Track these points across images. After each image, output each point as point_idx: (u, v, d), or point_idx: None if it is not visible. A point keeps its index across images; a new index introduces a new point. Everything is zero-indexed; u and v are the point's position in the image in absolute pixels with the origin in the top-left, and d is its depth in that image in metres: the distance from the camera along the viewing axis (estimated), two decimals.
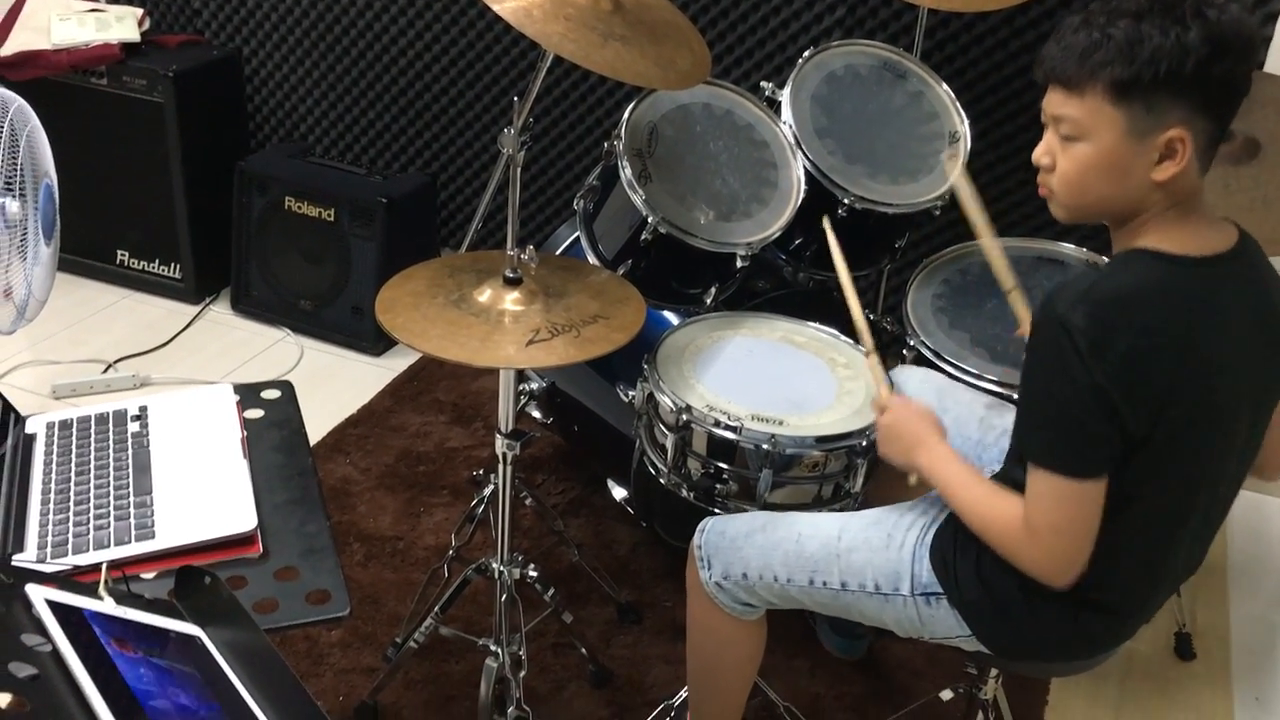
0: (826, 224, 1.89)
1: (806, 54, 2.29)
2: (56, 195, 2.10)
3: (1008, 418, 1.76)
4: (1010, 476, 1.52)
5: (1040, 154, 1.42)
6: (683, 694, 1.97)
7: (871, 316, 2.60)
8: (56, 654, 0.95)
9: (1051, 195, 1.43)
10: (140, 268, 3.37)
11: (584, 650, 2.15)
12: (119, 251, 3.38)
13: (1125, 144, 1.33)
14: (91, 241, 3.34)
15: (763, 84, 2.28)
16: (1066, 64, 1.34)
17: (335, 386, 3.02)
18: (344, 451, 2.74)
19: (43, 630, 0.98)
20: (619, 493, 2.48)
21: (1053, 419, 1.34)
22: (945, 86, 2.35)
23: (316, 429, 2.78)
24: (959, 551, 1.52)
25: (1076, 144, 1.36)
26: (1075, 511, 1.35)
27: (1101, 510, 1.35)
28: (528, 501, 2.28)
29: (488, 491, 2.21)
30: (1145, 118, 1.31)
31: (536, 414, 2.53)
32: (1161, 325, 1.31)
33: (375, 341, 3.16)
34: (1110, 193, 1.37)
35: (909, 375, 1.91)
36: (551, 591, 2.09)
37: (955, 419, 1.79)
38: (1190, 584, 2.47)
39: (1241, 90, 1.33)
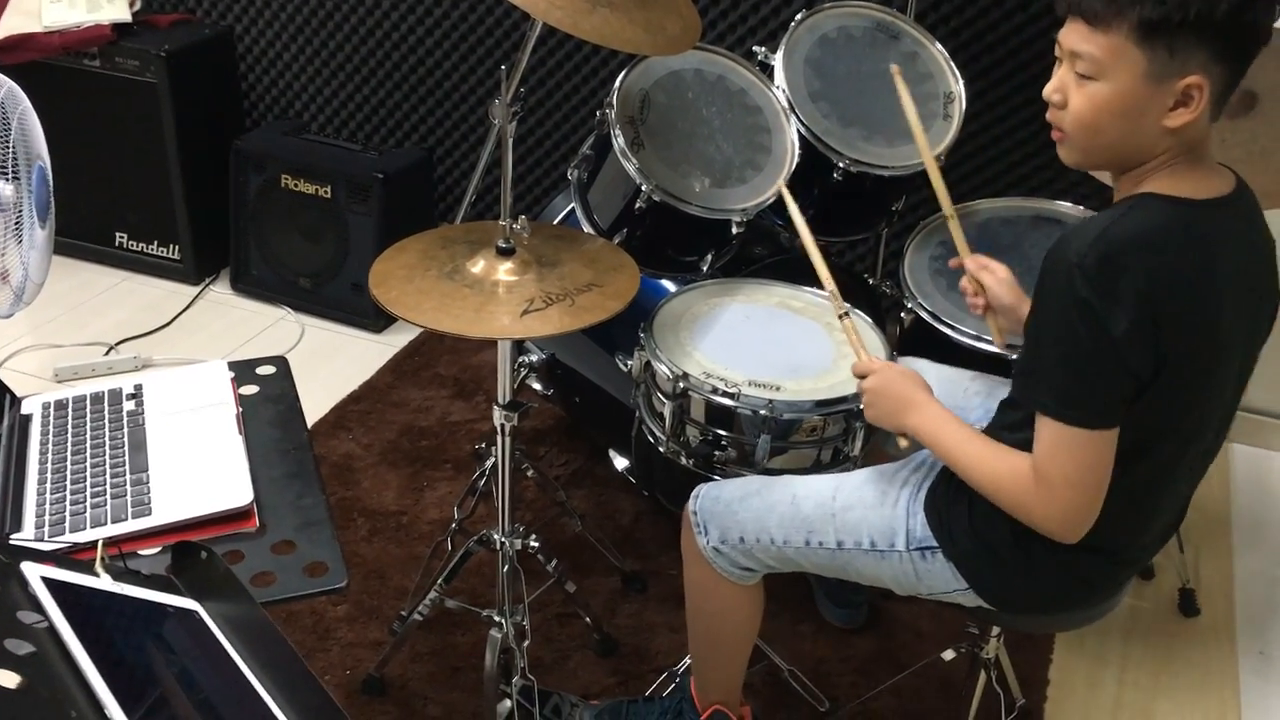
0: (784, 190, 1.88)
1: (799, 17, 2.28)
2: (50, 177, 2.10)
3: (991, 384, 1.76)
4: (998, 428, 1.52)
5: (1051, 89, 1.39)
6: (687, 660, 1.98)
7: (871, 280, 2.60)
8: (53, 630, 0.96)
9: (1064, 137, 1.40)
10: (139, 249, 3.37)
11: (588, 620, 2.16)
12: (118, 234, 3.37)
13: (1142, 87, 1.31)
14: (90, 224, 3.34)
15: (755, 48, 2.27)
16: None
17: (336, 363, 3.02)
18: (346, 428, 2.74)
19: (39, 607, 0.98)
20: (621, 463, 2.49)
21: (1066, 369, 1.33)
22: (939, 46, 2.33)
23: (319, 406, 2.79)
24: (951, 504, 1.53)
25: (1092, 83, 1.33)
26: (1090, 462, 1.35)
27: (1114, 459, 1.35)
28: (530, 473, 2.28)
29: (489, 464, 2.22)
30: (1167, 61, 1.28)
31: (537, 386, 2.53)
32: (1172, 269, 1.30)
33: (375, 318, 3.16)
34: (1121, 135, 1.35)
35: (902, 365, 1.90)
36: (554, 562, 2.10)
37: (938, 392, 1.80)
38: (1194, 540, 2.48)
39: (1262, 41, 1.31)
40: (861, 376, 1.61)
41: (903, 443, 1.57)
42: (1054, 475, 1.36)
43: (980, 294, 1.75)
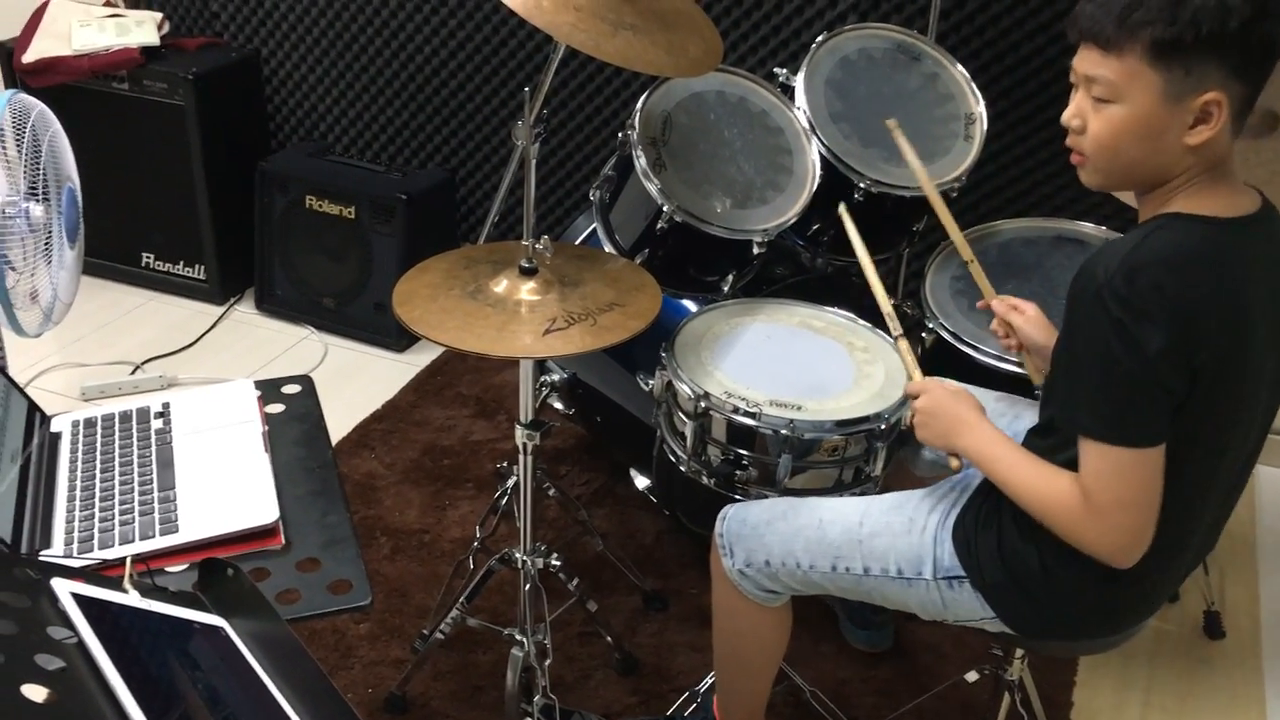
0: (843, 210, 1.88)
1: (820, 39, 2.29)
2: (80, 199, 2.13)
3: (1015, 405, 1.76)
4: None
5: (1070, 116, 1.38)
6: (709, 680, 1.98)
7: (894, 301, 2.59)
8: (82, 646, 0.97)
9: (1084, 161, 1.40)
10: (165, 270, 3.41)
11: (610, 639, 2.16)
12: (144, 254, 3.41)
13: (1161, 107, 1.30)
14: (117, 244, 3.38)
15: (776, 70, 2.28)
16: (1104, 22, 1.30)
17: (359, 383, 3.04)
18: (369, 447, 2.76)
19: (69, 623, 0.99)
20: (642, 482, 2.49)
21: (1105, 390, 1.32)
22: (960, 68, 2.34)
23: (341, 425, 2.81)
24: (980, 533, 1.52)
25: (1110, 106, 1.33)
26: (1140, 482, 1.33)
27: (1163, 479, 1.34)
28: (551, 492, 2.29)
29: (511, 483, 2.22)
30: (1183, 80, 1.28)
31: (559, 405, 2.54)
32: (1201, 285, 1.29)
33: (398, 337, 3.18)
34: (1143, 156, 1.34)
35: None
36: (576, 581, 2.10)
37: None
38: (1219, 562, 2.46)
39: (1278, 53, 1.31)
40: (914, 396, 1.60)
41: (954, 463, 1.56)
42: (1105, 499, 1.34)
43: (1011, 335, 1.74)
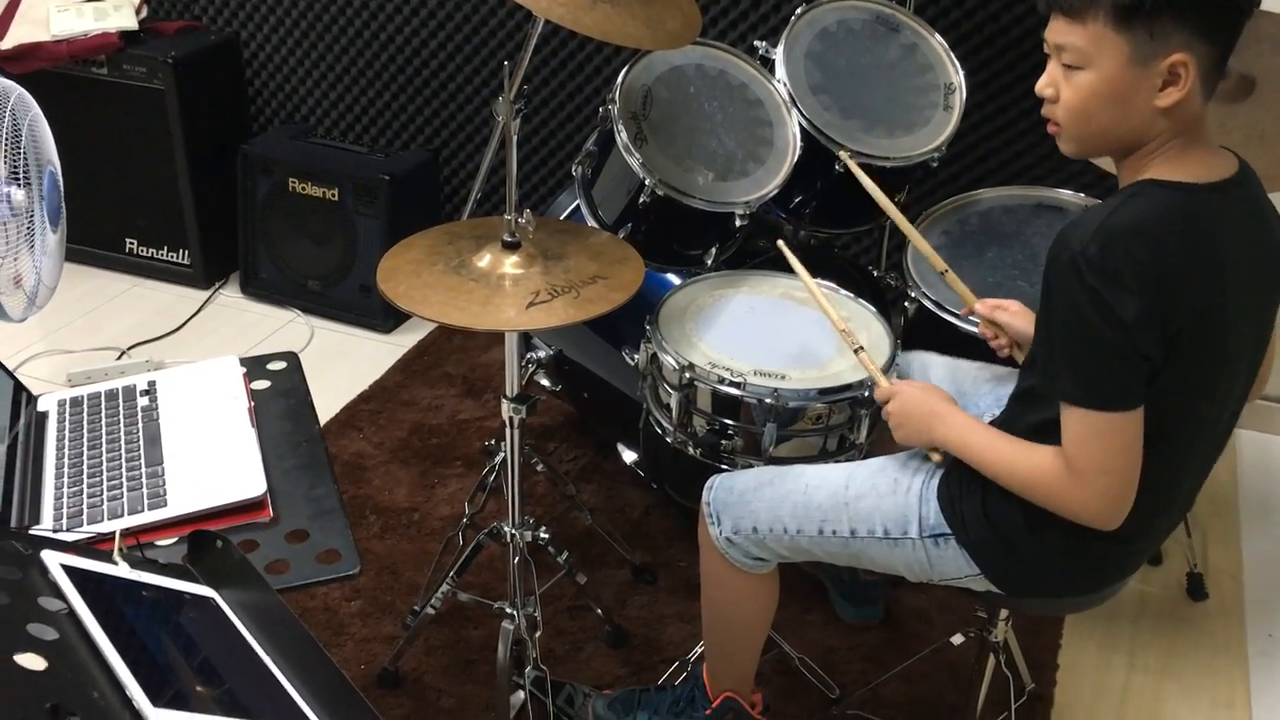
0: (782, 244, 1.88)
1: (799, 11, 2.30)
2: (61, 183, 2.12)
3: (997, 372, 1.78)
4: (1011, 420, 1.53)
5: (1044, 85, 1.41)
6: (698, 650, 2.00)
7: (876, 272, 2.61)
8: (74, 616, 0.98)
9: (1059, 130, 1.42)
10: (150, 255, 3.40)
11: (600, 611, 2.17)
12: (128, 240, 3.40)
13: (1128, 70, 1.32)
14: (100, 231, 3.37)
15: (756, 43, 2.29)
16: None
17: (347, 364, 3.05)
18: (357, 427, 2.76)
19: (60, 594, 1.00)
20: (630, 456, 2.51)
21: (1082, 356, 1.34)
22: (939, 38, 2.35)
23: (329, 406, 2.81)
24: (964, 491, 1.54)
25: (1080, 73, 1.36)
26: (1119, 446, 1.36)
27: (1142, 442, 1.36)
28: (539, 468, 2.30)
29: (499, 459, 2.23)
30: (1148, 43, 1.30)
31: (545, 382, 2.55)
32: (1175, 252, 1.31)
33: (384, 318, 3.18)
34: (1115, 121, 1.37)
35: (908, 359, 1.91)
36: (565, 554, 2.11)
37: (953, 383, 1.81)
38: (1201, 525, 2.49)
39: (1243, 11, 1.33)
40: (885, 402, 1.62)
41: (935, 457, 1.57)
42: (1085, 464, 1.36)
43: (999, 335, 1.75)
